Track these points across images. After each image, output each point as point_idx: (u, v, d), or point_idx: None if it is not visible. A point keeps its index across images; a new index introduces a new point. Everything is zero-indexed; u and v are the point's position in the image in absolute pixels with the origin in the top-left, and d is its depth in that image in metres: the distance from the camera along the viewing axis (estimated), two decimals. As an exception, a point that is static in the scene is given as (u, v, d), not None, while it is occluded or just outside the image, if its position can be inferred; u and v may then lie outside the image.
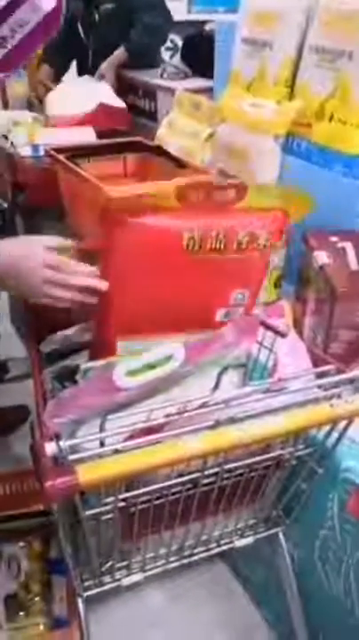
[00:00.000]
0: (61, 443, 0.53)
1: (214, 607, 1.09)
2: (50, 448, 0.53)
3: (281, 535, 0.86)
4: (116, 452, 0.54)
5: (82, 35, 2.20)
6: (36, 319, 0.94)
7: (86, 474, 0.49)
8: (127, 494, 0.64)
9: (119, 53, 2.06)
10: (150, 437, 0.56)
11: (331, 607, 0.85)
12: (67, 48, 2.19)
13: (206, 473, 0.66)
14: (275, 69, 1.16)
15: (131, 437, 0.59)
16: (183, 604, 1.10)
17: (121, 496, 0.63)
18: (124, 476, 0.54)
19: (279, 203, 0.82)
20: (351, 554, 0.79)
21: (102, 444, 0.56)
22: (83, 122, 1.52)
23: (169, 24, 2.15)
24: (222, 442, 0.54)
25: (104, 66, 2.03)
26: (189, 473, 0.66)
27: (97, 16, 2.14)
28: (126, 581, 0.78)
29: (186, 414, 0.60)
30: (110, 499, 0.62)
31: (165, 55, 2.51)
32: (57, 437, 0.53)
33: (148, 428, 0.60)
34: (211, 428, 0.58)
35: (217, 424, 0.58)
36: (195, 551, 0.81)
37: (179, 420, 0.60)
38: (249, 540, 0.84)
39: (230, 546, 0.83)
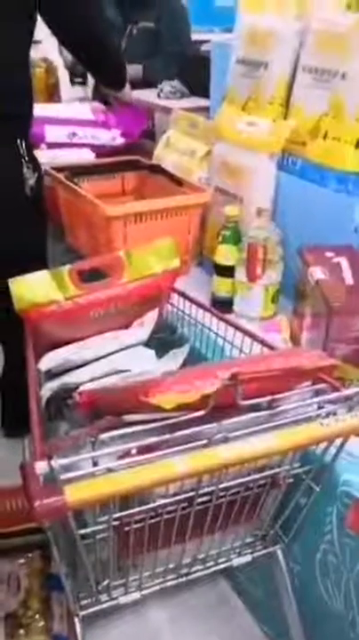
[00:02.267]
0: (53, 462, 0.53)
1: (215, 624, 1.08)
2: (40, 467, 0.53)
3: (279, 553, 0.86)
4: (109, 471, 0.55)
5: None
6: (36, 335, 0.94)
7: (75, 494, 0.49)
8: (121, 513, 0.64)
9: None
10: (143, 457, 0.56)
11: (333, 621, 0.84)
12: None
13: (201, 492, 0.66)
14: (270, 89, 1.18)
15: (124, 456, 0.59)
16: (184, 621, 1.09)
17: (115, 515, 0.63)
18: (114, 496, 0.54)
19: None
20: (351, 567, 0.78)
21: (95, 464, 0.56)
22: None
23: None
24: (211, 461, 0.54)
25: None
26: (185, 492, 0.66)
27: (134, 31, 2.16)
28: (124, 600, 0.77)
29: (179, 433, 0.60)
30: (104, 518, 0.62)
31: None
32: (49, 457, 0.54)
33: (143, 447, 0.60)
34: (204, 447, 0.58)
35: (209, 443, 0.58)
36: (193, 570, 0.80)
37: (174, 438, 0.60)
38: (247, 559, 0.83)
39: (228, 564, 0.82)
